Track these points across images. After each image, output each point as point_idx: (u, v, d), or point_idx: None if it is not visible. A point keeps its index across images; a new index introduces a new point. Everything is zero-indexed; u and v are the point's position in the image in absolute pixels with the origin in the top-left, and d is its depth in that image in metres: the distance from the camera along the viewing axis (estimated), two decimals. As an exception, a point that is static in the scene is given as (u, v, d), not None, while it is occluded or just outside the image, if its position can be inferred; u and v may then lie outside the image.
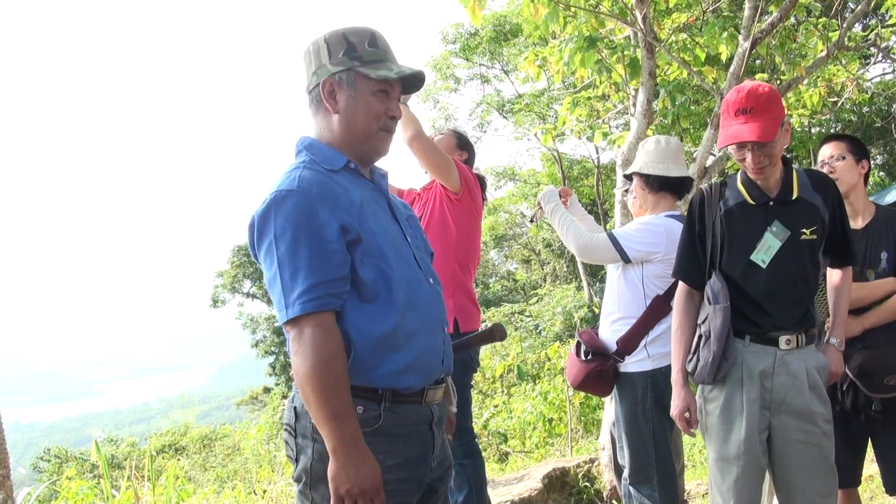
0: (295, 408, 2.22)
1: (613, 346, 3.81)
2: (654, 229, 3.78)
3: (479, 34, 21.90)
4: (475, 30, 21.94)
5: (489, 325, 2.40)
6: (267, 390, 34.15)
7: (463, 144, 4.41)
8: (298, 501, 2.24)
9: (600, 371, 3.80)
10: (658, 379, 3.68)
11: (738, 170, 3.16)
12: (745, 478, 3.00)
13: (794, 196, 3.04)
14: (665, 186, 3.92)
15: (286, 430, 2.26)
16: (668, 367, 3.58)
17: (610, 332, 3.87)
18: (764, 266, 2.99)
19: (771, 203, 3.03)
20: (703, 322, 3.08)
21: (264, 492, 6.19)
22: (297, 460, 2.21)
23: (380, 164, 2.45)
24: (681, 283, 3.22)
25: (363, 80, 2.24)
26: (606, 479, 5.55)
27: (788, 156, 3.16)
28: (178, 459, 15.66)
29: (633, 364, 3.76)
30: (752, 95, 2.93)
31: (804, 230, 3.01)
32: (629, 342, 3.76)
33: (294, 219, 2.09)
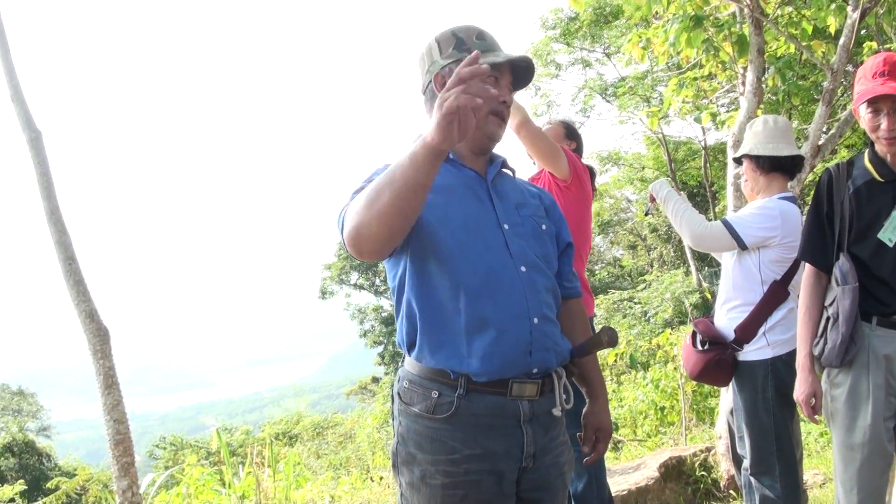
0: (392, 390, 2.31)
1: (731, 335, 3.72)
2: (769, 213, 3.67)
3: (579, 18, 21.64)
4: (575, 14, 21.70)
5: (599, 328, 2.32)
6: (376, 380, 34.68)
7: (571, 134, 4.39)
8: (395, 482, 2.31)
9: (719, 360, 3.71)
10: (778, 367, 3.58)
11: (849, 146, 3.06)
12: (869, 466, 2.91)
13: None
14: (776, 167, 3.81)
15: (391, 413, 2.34)
16: (788, 355, 3.49)
17: (727, 320, 3.78)
18: (891, 245, 2.89)
19: None
20: (831, 304, 2.99)
21: (381, 478, 6.27)
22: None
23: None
24: (807, 266, 3.13)
25: None
26: (723, 468, 5.44)
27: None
28: (291, 447, 16.03)
29: (752, 352, 3.65)
30: (889, 61, 2.88)
31: None
32: (747, 330, 3.66)
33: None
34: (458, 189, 2.27)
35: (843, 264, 2.95)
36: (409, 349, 2.21)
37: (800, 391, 3.08)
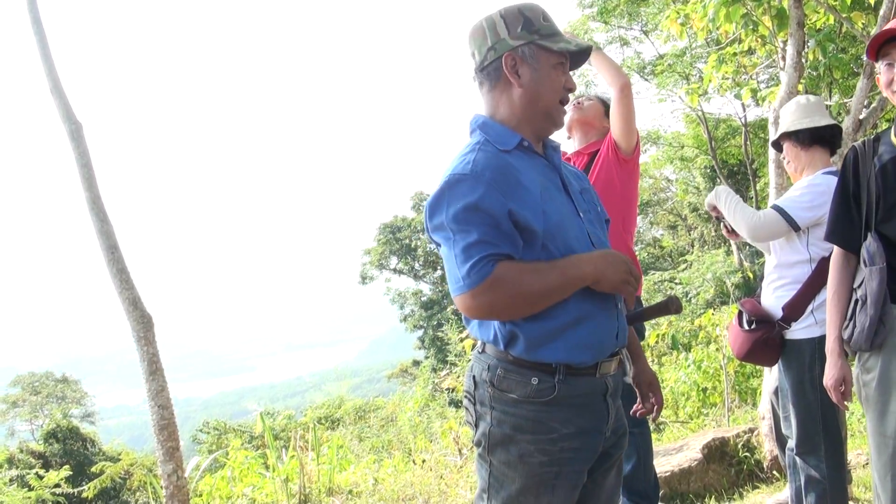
0: (473, 377, 2.31)
1: (778, 313, 3.67)
2: (817, 189, 3.62)
3: (617, -4, 21.42)
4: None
5: (664, 297, 2.38)
6: (416, 363, 34.83)
7: (609, 112, 4.37)
8: (477, 464, 2.36)
9: (766, 339, 3.67)
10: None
11: (889, 120, 2.95)
12: None
13: None
14: (816, 139, 3.79)
15: (466, 397, 2.35)
16: None
17: (774, 299, 3.73)
18: None
19: None
20: (859, 286, 2.88)
21: (423, 461, 6.29)
22: (476, 426, 2.31)
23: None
24: (835, 248, 3.04)
25: (544, 53, 2.27)
26: (767, 449, 5.38)
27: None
28: (333, 431, 16.13)
29: (799, 330, 3.61)
30: None
31: None
32: (795, 307, 3.61)
33: (465, 201, 2.13)
34: (542, 182, 2.26)
35: (870, 244, 2.84)
36: (508, 344, 2.23)
37: (828, 376, 2.99)
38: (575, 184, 2.41)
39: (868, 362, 2.88)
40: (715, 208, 3.98)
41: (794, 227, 3.62)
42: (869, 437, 2.92)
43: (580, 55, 2.35)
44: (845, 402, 3.01)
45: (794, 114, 3.83)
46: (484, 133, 2.30)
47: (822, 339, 3.46)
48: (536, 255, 2.17)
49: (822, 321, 3.53)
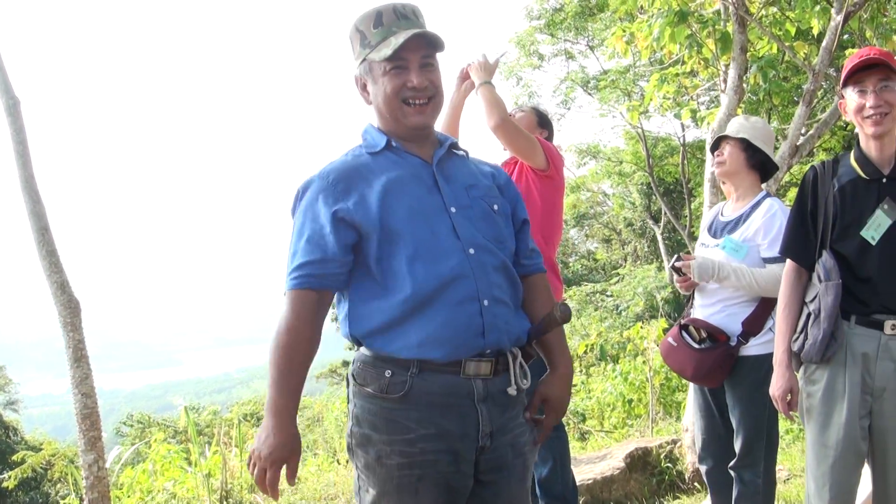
0: (346, 377, 2.36)
1: (735, 329, 3.64)
2: (784, 216, 3.54)
3: (565, 9, 21.59)
4: (560, 4, 21.65)
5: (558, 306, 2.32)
6: (346, 364, 34.67)
7: (543, 122, 4.42)
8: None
9: (731, 355, 3.60)
10: None
11: (826, 149, 3.06)
12: (842, 463, 2.92)
13: None
14: (761, 166, 3.81)
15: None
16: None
17: (726, 316, 3.67)
18: (873, 243, 2.89)
19: (884, 180, 2.93)
20: (812, 300, 2.99)
21: (346, 461, 6.28)
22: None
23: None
24: (788, 262, 3.13)
25: (375, 64, 2.29)
26: (689, 460, 5.49)
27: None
28: (259, 427, 15.99)
29: (756, 346, 3.60)
30: (872, 50, 2.95)
31: None
32: (756, 322, 3.61)
33: (305, 204, 2.28)
34: (401, 178, 2.28)
35: (826, 261, 2.95)
36: (361, 338, 2.26)
37: (776, 387, 3.06)
38: (462, 180, 2.38)
39: (814, 374, 3.00)
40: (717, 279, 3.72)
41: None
42: (808, 447, 3.05)
43: (430, 44, 2.28)
44: (791, 413, 3.08)
45: (758, 130, 3.80)
46: (363, 137, 2.43)
47: None
48: (376, 247, 2.20)
49: None
